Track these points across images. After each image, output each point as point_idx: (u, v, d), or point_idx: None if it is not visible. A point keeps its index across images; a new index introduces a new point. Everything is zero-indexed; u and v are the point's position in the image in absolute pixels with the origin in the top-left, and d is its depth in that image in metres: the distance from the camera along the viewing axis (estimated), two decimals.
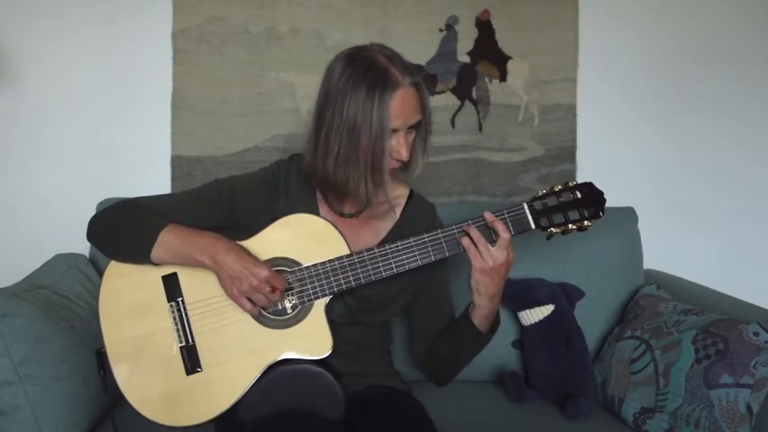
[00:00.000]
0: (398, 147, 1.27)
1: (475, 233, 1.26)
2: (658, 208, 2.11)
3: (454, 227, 1.29)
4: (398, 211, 1.42)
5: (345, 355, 1.33)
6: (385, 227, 1.41)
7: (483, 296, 1.28)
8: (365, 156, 1.24)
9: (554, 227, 1.29)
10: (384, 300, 1.38)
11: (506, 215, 1.29)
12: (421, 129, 1.31)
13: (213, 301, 1.29)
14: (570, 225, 1.29)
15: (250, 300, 1.26)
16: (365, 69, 1.23)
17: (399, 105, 1.23)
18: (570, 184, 1.30)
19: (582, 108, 2.09)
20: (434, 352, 1.43)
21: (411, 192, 1.47)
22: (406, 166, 1.32)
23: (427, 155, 1.34)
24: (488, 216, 1.27)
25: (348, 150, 1.25)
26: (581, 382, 1.66)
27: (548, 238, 1.30)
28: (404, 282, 1.36)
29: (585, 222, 1.29)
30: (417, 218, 1.43)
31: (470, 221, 1.28)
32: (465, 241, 1.26)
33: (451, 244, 1.29)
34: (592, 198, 1.29)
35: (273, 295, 1.25)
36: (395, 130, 1.25)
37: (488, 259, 1.25)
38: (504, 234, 1.25)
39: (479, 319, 1.32)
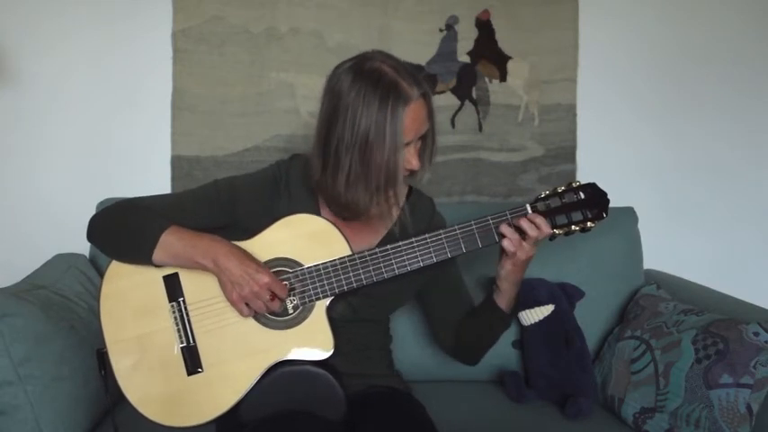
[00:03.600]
0: (410, 157, 1.27)
1: (508, 230, 1.29)
2: (658, 208, 2.11)
3: (457, 227, 1.29)
4: (399, 209, 1.42)
5: (346, 355, 1.33)
6: (386, 225, 1.41)
7: (512, 284, 1.36)
8: (377, 172, 1.23)
9: (557, 228, 1.29)
10: (385, 297, 1.38)
11: (509, 216, 1.29)
12: (428, 136, 1.31)
13: (214, 301, 1.29)
14: (573, 226, 1.29)
15: (249, 306, 1.25)
16: (374, 83, 1.21)
17: (411, 120, 1.23)
18: (573, 184, 1.30)
19: (582, 108, 2.09)
20: (463, 338, 1.47)
21: (410, 188, 1.46)
22: (412, 173, 1.31)
23: (434, 161, 1.34)
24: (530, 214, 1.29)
25: (360, 168, 1.23)
26: (581, 382, 1.66)
27: (551, 239, 1.30)
28: (407, 280, 1.36)
29: (589, 224, 1.29)
30: (418, 213, 1.43)
31: (508, 215, 1.29)
32: (506, 242, 1.28)
33: (453, 245, 1.29)
34: (595, 199, 1.29)
35: (272, 303, 1.25)
36: (406, 144, 1.25)
37: (522, 254, 1.29)
38: (546, 231, 1.28)
39: (506, 302, 1.38)
